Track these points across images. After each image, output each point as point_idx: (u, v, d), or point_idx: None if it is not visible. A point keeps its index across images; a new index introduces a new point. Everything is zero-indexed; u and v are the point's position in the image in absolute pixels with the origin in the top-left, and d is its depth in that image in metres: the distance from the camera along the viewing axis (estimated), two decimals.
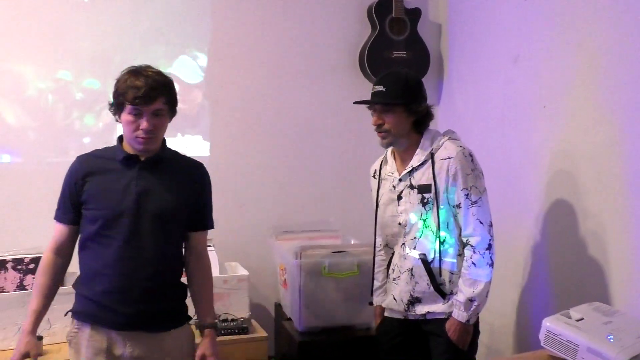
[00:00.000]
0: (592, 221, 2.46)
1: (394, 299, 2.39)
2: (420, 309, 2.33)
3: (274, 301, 3.26)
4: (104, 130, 3.07)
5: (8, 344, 2.53)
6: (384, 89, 2.29)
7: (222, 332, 2.71)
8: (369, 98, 2.38)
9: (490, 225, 2.25)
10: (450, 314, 2.29)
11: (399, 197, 2.36)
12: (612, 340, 1.80)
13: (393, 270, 2.42)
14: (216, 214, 3.20)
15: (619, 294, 2.28)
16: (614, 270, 2.33)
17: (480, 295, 2.21)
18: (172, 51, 3.18)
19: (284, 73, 3.34)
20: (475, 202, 2.23)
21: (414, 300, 2.34)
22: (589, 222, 2.48)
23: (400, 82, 2.31)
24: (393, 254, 2.45)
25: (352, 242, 3.09)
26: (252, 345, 2.74)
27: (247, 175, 3.31)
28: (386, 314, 2.49)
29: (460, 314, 2.23)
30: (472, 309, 2.21)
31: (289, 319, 2.92)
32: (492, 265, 2.22)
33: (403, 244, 2.36)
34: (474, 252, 2.22)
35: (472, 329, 2.28)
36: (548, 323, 1.92)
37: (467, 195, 2.23)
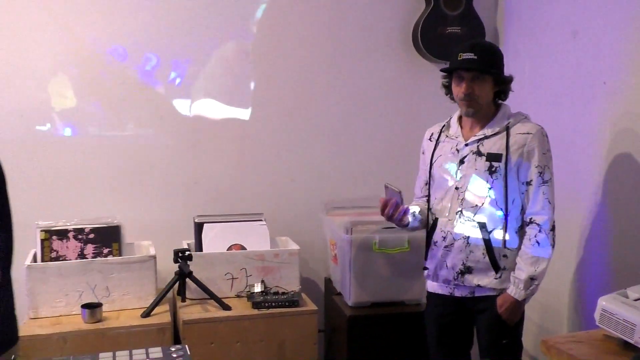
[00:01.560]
0: None
1: (446, 266, 2.36)
2: (470, 280, 2.32)
3: (323, 276, 3.30)
4: (160, 104, 3.14)
5: (70, 310, 2.64)
6: (475, 57, 2.24)
7: (273, 304, 2.76)
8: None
9: (554, 208, 2.25)
10: (501, 291, 2.28)
11: (461, 162, 2.33)
12: None
13: (444, 237, 2.36)
14: (267, 189, 3.28)
15: None
16: None
17: (540, 275, 2.21)
18: (226, 24, 3.19)
19: (337, 48, 3.33)
20: (546, 182, 2.24)
21: (465, 270, 2.32)
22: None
23: (491, 51, 2.32)
24: (436, 220, 2.40)
25: None
26: (302, 318, 2.78)
27: (298, 150, 3.33)
28: (431, 289, 2.48)
29: (518, 292, 2.22)
30: (531, 287, 2.21)
31: (339, 294, 2.95)
32: (554, 246, 2.22)
33: (459, 210, 2.31)
34: (540, 230, 2.21)
35: (523, 308, 2.27)
36: (604, 302, 1.88)
37: (540, 173, 2.23)
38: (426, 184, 2.48)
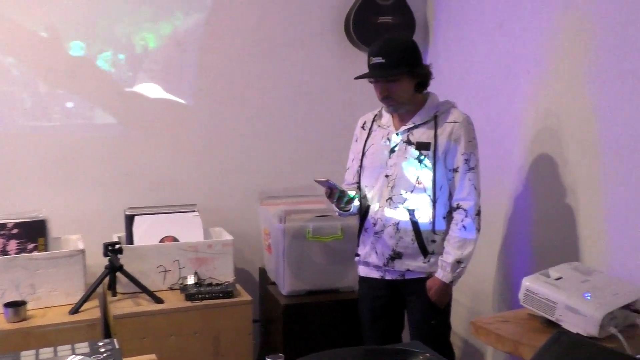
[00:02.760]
0: (575, 182, 2.49)
1: (376, 252, 2.40)
2: (400, 265, 2.37)
3: (258, 266, 3.29)
4: (90, 93, 3.05)
5: None
6: (383, 60, 2.26)
7: (207, 296, 2.74)
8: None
9: (479, 194, 2.32)
10: (430, 274, 2.34)
11: (392, 151, 2.37)
12: (589, 297, 1.84)
13: (374, 224, 2.40)
14: (200, 179, 3.24)
15: (596, 254, 2.32)
16: (592, 230, 2.37)
17: (467, 258, 2.28)
18: (157, 13, 3.13)
19: (270, 38, 3.31)
20: (472, 169, 2.31)
21: (395, 256, 2.37)
22: (569, 181, 2.51)
23: (399, 49, 2.29)
24: (368, 207, 2.44)
25: None
26: (237, 309, 2.76)
27: (232, 141, 3.30)
28: (363, 273, 2.51)
29: (445, 275, 2.29)
30: (457, 270, 2.28)
31: (273, 283, 2.94)
32: (479, 230, 2.30)
33: (390, 197, 2.35)
34: (466, 215, 2.28)
35: (451, 290, 2.35)
36: (527, 282, 1.95)
37: (466, 160, 2.30)
38: (357, 172, 2.51)
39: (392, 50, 2.28)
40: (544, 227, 2.66)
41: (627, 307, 1.85)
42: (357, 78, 2.38)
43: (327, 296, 2.81)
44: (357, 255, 2.51)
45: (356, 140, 2.56)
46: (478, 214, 2.31)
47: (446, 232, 2.35)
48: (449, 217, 2.35)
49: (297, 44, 3.36)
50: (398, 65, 2.26)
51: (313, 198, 3.22)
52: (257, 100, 3.33)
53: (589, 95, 2.40)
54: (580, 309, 1.81)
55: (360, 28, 3.35)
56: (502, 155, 2.90)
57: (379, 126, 2.46)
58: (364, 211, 2.46)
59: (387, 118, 2.45)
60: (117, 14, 3.04)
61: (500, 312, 2.76)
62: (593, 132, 2.39)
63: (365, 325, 2.56)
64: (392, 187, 2.36)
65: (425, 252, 2.34)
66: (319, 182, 2.35)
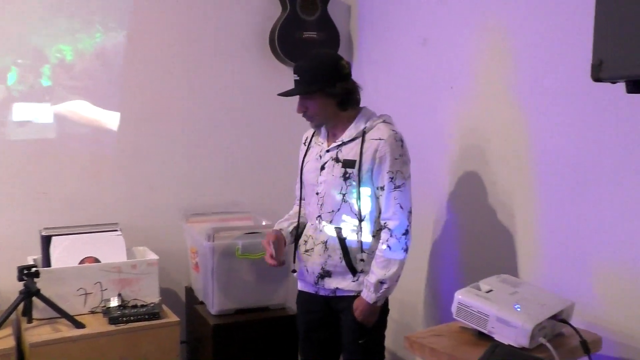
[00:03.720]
0: (499, 194, 2.57)
1: (307, 270, 2.38)
2: (329, 284, 2.34)
3: (184, 285, 3.19)
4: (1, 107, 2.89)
5: None
6: (298, 78, 2.28)
7: (132, 318, 2.63)
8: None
9: (410, 212, 2.26)
10: (359, 292, 2.29)
11: (322, 168, 2.35)
12: (518, 309, 1.88)
13: (306, 241, 2.39)
14: (123, 197, 3.12)
15: (524, 266, 2.39)
16: (519, 242, 2.45)
17: (391, 279, 2.22)
18: (75, 26, 3.00)
19: (193, 53, 3.24)
20: (398, 187, 2.23)
21: (324, 274, 2.34)
22: (496, 196, 2.58)
23: (313, 68, 2.28)
24: (305, 225, 2.43)
25: (264, 223, 3.07)
26: (164, 330, 2.67)
27: (155, 157, 3.20)
28: (300, 287, 2.49)
29: (369, 295, 2.24)
30: (381, 291, 2.22)
31: (201, 303, 2.86)
32: (406, 250, 2.24)
33: (319, 215, 2.33)
34: (391, 235, 2.22)
35: (379, 310, 2.29)
36: (460, 295, 1.98)
37: (391, 178, 2.23)
38: (299, 188, 2.50)
39: (308, 68, 2.29)
40: (469, 240, 2.72)
41: (554, 317, 1.91)
42: (279, 95, 2.38)
43: (257, 314, 2.76)
44: (294, 271, 2.49)
45: (299, 158, 2.53)
46: (405, 233, 2.24)
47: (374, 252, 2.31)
48: (379, 236, 2.30)
49: (222, 58, 3.31)
50: (310, 83, 2.26)
51: (240, 215, 3.18)
52: (180, 116, 3.25)
53: (511, 112, 2.49)
54: (511, 320, 1.85)
55: (285, 43, 3.34)
56: (430, 170, 2.96)
57: (316, 142, 2.43)
58: (302, 229, 2.44)
59: (323, 134, 2.41)
60: (34, 26, 2.89)
61: (429, 326, 2.80)
62: (515, 147, 2.47)
63: (301, 337, 2.52)
64: (321, 205, 2.33)
65: (354, 270, 2.29)
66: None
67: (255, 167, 3.41)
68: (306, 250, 2.38)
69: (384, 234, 2.25)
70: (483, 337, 1.95)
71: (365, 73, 3.49)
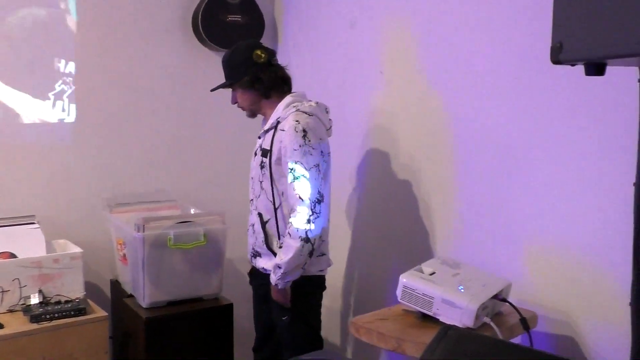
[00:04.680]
0: (432, 177, 2.62)
1: (248, 248, 2.54)
2: (259, 263, 2.46)
3: (109, 278, 3.06)
4: None
5: None
6: (224, 72, 2.45)
7: (56, 315, 2.50)
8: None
9: (317, 202, 2.25)
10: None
11: (255, 154, 2.47)
12: (462, 290, 1.93)
13: (249, 221, 2.54)
14: (39, 188, 2.94)
15: (459, 248, 2.46)
16: (452, 225, 2.51)
17: (287, 264, 2.24)
18: None
19: (111, 36, 3.08)
20: (297, 178, 2.25)
21: (255, 254, 2.47)
22: (428, 179, 2.63)
23: (229, 61, 2.43)
24: None
25: (193, 212, 2.99)
26: (91, 326, 2.56)
27: (74, 145, 3.03)
28: (248, 259, 2.59)
29: (272, 277, 2.32)
30: (279, 274, 2.27)
31: (131, 296, 2.75)
32: (305, 240, 2.23)
33: (251, 199, 2.48)
34: (292, 224, 2.25)
35: (285, 292, 2.34)
36: (404, 279, 2.00)
37: (291, 169, 2.26)
38: None
39: (226, 61, 2.44)
40: (400, 225, 2.76)
41: (495, 296, 1.97)
42: (211, 91, 2.54)
43: (190, 305, 2.68)
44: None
45: None
46: (307, 223, 2.23)
47: None
48: None
49: (143, 42, 3.17)
50: (228, 77, 2.43)
51: (167, 204, 3.07)
52: (99, 102, 3.08)
53: (442, 95, 2.54)
54: (456, 301, 1.90)
55: (209, 26, 3.25)
56: (357, 156, 2.97)
57: (261, 129, 2.51)
58: None
59: (263, 122, 2.51)
60: None
61: (359, 312, 2.83)
62: (443, 132, 2.52)
63: (254, 312, 2.64)
64: (251, 189, 2.48)
65: (275, 253, 2.36)
66: None
67: (180, 155, 3.30)
68: (247, 230, 2.54)
69: (289, 222, 2.29)
70: (428, 319, 1.98)
71: (291, 57, 3.45)
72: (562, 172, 2.11)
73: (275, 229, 2.37)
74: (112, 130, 3.13)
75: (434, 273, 2.03)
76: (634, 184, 1.88)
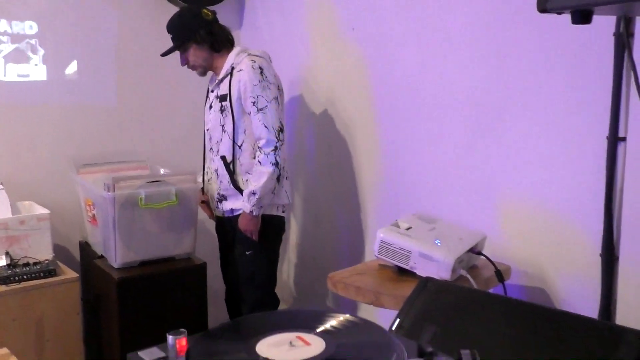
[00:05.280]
0: (410, 134, 2.62)
1: (211, 197, 2.72)
2: (226, 206, 2.64)
3: (78, 240, 3.00)
4: None
5: None
6: (171, 36, 2.63)
7: (25, 277, 2.46)
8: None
9: (280, 130, 2.51)
10: None
11: (210, 107, 2.66)
12: (439, 244, 1.95)
13: (207, 172, 2.73)
14: (3, 149, 2.85)
15: (436, 204, 2.48)
16: (429, 181, 2.52)
17: (262, 188, 2.47)
18: None
19: None
20: (261, 110, 2.49)
21: (221, 198, 2.65)
22: (409, 136, 2.63)
23: (177, 23, 2.61)
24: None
25: (163, 172, 2.94)
26: (62, 288, 2.53)
27: (38, 106, 2.94)
28: (215, 213, 2.76)
29: (244, 205, 2.52)
30: (253, 200, 2.48)
31: (101, 257, 2.71)
32: (275, 165, 2.48)
33: (210, 148, 2.66)
34: (260, 151, 2.49)
35: (257, 220, 2.54)
36: (382, 234, 2.01)
37: (254, 103, 2.49)
38: None
39: (173, 24, 2.62)
40: (372, 182, 2.77)
41: (470, 250, 2.00)
42: (161, 55, 2.68)
43: (163, 265, 2.65)
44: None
45: None
46: (274, 150, 2.48)
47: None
48: None
49: (108, 1, 3.07)
50: (179, 38, 2.60)
51: (135, 164, 3.02)
52: (64, 63, 2.99)
53: (413, 54, 2.52)
54: (433, 255, 1.92)
55: None
56: (322, 105, 2.96)
57: (209, 88, 2.73)
58: None
59: (212, 80, 2.71)
60: None
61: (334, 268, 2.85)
62: (420, 90, 2.52)
63: (220, 261, 2.82)
64: (210, 139, 2.67)
65: (241, 191, 2.56)
66: None
67: (147, 115, 3.24)
68: (208, 180, 2.73)
69: (257, 152, 2.53)
70: (404, 273, 2.00)
71: (258, 14, 3.40)
72: (536, 128, 2.13)
73: (240, 167, 2.57)
74: (78, 90, 3.04)
75: (410, 228, 2.04)
76: (607, 138, 1.92)
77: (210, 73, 2.72)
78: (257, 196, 2.47)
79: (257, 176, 2.49)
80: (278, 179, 2.50)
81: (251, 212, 2.50)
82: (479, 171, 2.32)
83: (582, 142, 2.00)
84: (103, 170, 2.86)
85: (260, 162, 2.48)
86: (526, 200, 2.17)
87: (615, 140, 1.88)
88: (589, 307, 1.96)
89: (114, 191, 2.51)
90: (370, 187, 2.81)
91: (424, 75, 2.49)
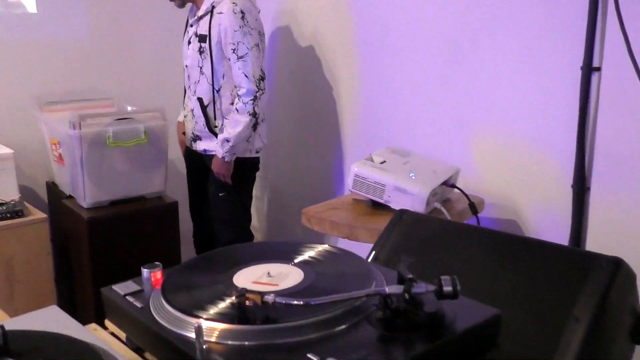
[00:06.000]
0: (382, 70, 2.58)
1: (185, 133, 2.74)
2: (200, 145, 2.64)
3: (44, 181, 2.93)
4: None
5: None
6: None
7: None
8: None
9: (261, 79, 2.45)
10: None
11: (189, 42, 2.58)
12: (413, 177, 1.95)
13: (185, 108, 2.71)
14: None
15: (409, 138, 2.47)
16: (401, 115, 2.50)
17: (237, 137, 2.46)
18: None
19: None
20: (241, 57, 2.42)
21: (195, 137, 2.65)
22: (379, 71, 2.60)
23: None
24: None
25: (130, 109, 2.86)
26: (30, 229, 2.49)
27: None
28: (188, 145, 2.76)
29: (218, 150, 2.51)
30: (227, 147, 2.47)
31: (70, 197, 2.66)
32: (253, 114, 2.45)
33: (189, 86, 2.61)
34: (239, 99, 2.45)
35: (229, 165, 2.53)
36: (356, 168, 1.99)
37: (234, 50, 2.42)
38: None
39: None
40: (345, 117, 2.74)
41: (444, 183, 2.00)
42: None
43: (133, 205, 2.61)
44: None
45: None
46: (254, 99, 2.44)
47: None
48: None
49: None
50: None
51: (101, 102, 2.93)
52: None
53: None
54: (408, 188, 1.91)
55: None
56: (306, 41, 2.90)
57: (189, 22, 2.62)
58: None
59: (192, 11, 2.60)
60: None
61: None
62: (392, 22, 2.47)
63: (189, 195, 2.85)
64: (188, 77, 2.61)
65: (215, 134, 2.55)
66: None
67: (112, 51, 3.12)
68: (185, 116, 2.72)
69: (235, 100, 2.48)
70: (379, 207, 2.00)
71: None
72: (509, 61, 2.11)
73: (217, 112, 2.54)
74: (41, 26, 2.90)
75: (384, 162, 2.03)
76: (581, 68, 1.91)
77: (189, 5, 2.61)
78: (230, 144, 2.46)
79: (233, 124, 2.46)
80: (255, 126, 2.49)
81: (223, 157, 2.49)
82: (453, 105, 2.31)
83: (557, 73, 1.99)
84: (68, 108, 2.76)
85: (237, 110, 2.45)
86: (500, 133, 2.17)
87: (589, 70, 1.87)
88: (560, 236, 1.99)
89: (80, 129, 2.44)
90: (345, 123, 2.78)
91: (400, 12, 2.44)
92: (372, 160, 2.04)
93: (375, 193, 1.97)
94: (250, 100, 2.43)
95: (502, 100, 2.14)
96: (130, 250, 2.57)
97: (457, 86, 2.28)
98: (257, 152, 2.63)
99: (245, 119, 2.44)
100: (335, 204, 2.12)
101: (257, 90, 2.44)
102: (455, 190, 2.07)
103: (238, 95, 2.46)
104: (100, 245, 2.51)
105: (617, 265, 1.17)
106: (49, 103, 2.80)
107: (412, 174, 1.96)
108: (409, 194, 1.91)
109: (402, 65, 2.46)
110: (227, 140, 2.46)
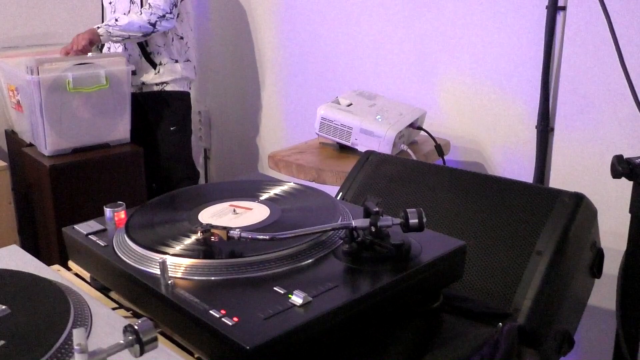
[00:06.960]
0: (338, 17, 2.54)
1: None
2: (136, 80, 2.63)
3: (3, 129, 2.85)
4: None
5: None
6: None
7: None
8: None
9: (174, 5, 2.51)
10: (162, 84, 2.65)
11: None
12: (380, 119, 1.94)
13: (109, 48, 2.71)
14: None
15: (375, 82, 2.45)
16: (367, 59, 2.48)
17: (126, 26, 2.45)
18: None
19: None
20: None
21: (131, 72, 2.58)
22: (334, 19, 2.55)
23: None
24: None
25: (91, 54, 2.77)
26: None
27: None
28: None
29: (101, 28, 2.47)
30: (111, 29, 2.45)
31: (30, 145, 2.59)
32: (153, 26, 2.48)
33: (117, 19, 2.51)
34: (149, 7, 2.48)
35: (92, 37, 2.48)
36: (322, 111, 1.98)
37: None
38: None
39: None
40: (311, 59, 2.71)
41: (410, 125, 1.99)
42: None
43: (96, 152, 2.55)
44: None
45: None
46: (162, 17, 2.48)
47: (166, 44, 2.61)
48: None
49: None
50: None
51: (59, 47, 2.82)
52: None
53: None
54: (374, 130, 1.91)
55: None
56: None
57: None
58: None
59: None
60: None
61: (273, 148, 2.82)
62: None
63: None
64: (114, 11, 2.62)
65: (154, 64, 2.60)
66: None
67: None
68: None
69: (146, 6, 2.49)
70: (345, 150, 2.00)
71: None
72: (475, 8, 2.08)
73: (150, 38, 2.56)
74: None
75: (351, 104, 2.01)
76: (546, 7, 1.91)
77: None
78: (109, 29, 2.45)
79: (129, 20, 2.45)
80: (145, 35, 2.49)
81: (98, 28, 2.47)
82: (418, 47, 2.29)
83: (522, 13, 1.98)
84: (24, 53, 2.68)
85: (141, 13, 2.47)
86: (464, 75, 2.17)
87: (554, 9, 1.86)
88: (524, 177, 2.02)
89: (38, 74, 2.36)
90: (311, 66, 2.75)
91: None
92: (338, 103, 2.02)
93: (342, 136, 1.96)
94: (159, 16, 2.47)
95: (467, 42, 2.13)
96: (94, 199, 2.53)
97: (421, 27, 2.26)
98: (189, 87, 2.74)
99: (139, 24, 2.46)
100: (302, 147, 2.11)
101: (168, 12, 2.49)
102: (422, 132, 2.07)
103: (149, 4, 2.48)
104: (63, 195, 2.46)
105: (578, 201, 1.19)
106: (4, 48, 2.71)
107: (378, 117, 1.95)
108: (376, 136, 1.90)
109: (368, 9, 2.42)
110: (115, 20, 2.46)
